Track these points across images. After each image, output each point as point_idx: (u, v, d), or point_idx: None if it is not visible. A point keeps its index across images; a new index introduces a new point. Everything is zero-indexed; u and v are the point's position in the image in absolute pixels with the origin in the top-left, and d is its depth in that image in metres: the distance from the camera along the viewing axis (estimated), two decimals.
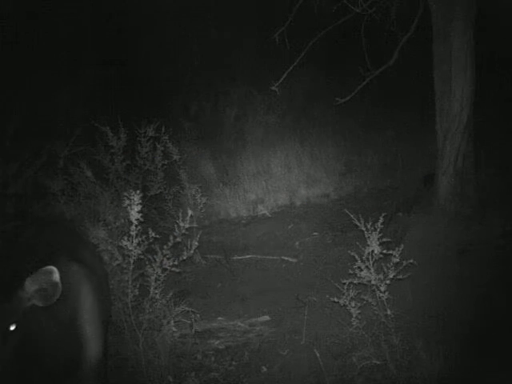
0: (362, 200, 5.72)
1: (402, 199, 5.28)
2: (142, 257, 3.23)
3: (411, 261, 3.16)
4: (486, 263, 3.92)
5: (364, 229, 3.13)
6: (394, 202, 5.34)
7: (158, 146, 4.47)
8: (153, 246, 3.22)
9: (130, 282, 3.24)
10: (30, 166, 4.11)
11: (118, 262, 3.32)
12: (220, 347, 3.46)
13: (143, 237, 3.16)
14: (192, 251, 3.35)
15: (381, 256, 3.11)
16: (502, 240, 4.16)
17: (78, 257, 2.31)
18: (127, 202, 3.13)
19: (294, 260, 4.66)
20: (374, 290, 3.14)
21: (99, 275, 2.43)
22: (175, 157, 4.63)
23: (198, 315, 3.58)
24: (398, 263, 3.12)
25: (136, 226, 3.12)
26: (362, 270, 3.11)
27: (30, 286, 1.85)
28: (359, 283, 3.16)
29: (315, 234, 5.13)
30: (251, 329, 3.61)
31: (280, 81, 4.97)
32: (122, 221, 3.80)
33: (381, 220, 3.09)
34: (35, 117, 5.58)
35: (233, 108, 7.45)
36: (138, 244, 3.16)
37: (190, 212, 3.28)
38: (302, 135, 6.85)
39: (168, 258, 3.23)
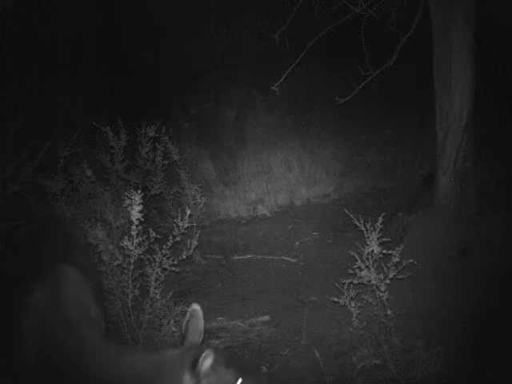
0: (362, 200, 5.72)
1: (402, 199, 5.28)
2: (142, 257, 3.23)
3: (411, 261, 3.17)
4: (486, 263, 3.92)
5: (363, 229, 3.13)
6: (394, 201, 5.34)
7: (159, 146, 4.47)
8: (152, 246, 3.23)
9: (130, 282, 3.24)
10: (29, 166, 4.11)
11: (118, 262, 3.32)
12: (220, 347, 3.46)
13: (144, 237, 3.16)
14: (191, 251, 3.35)
15: (381, 256, 3.11)
16: (502, 240, 4.15)
17: (74, 260, 2.31)
18: (128, 201, 3.13)
19: (294, 260, 4.66)
20: (374, 290, 3.14)
21: (94, 278, 2.44)
22: (175, 157, 4.63)
23: None
24: (397, 263, 3.12)
25: (137, 226, 3.12)
26: (362, 270, 3.12)
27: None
28: (359, 283, 3.17)
29: (315, 233, 5.13)
30: (251, 329, 3.61)
31: (280, 81, 4.97)
32: (123, 221, 3.80)
33: (380, 220, 3.09)
34: (35, 117, 5.58)
35: (233, 108, 7.45)
36: (139, 244, 3.16)
37: (188, 211, 3.28)
38: (302, 135, 6.85)
39: (168, 258, 3.24)
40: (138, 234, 3.14)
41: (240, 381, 1.74)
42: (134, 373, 1.83)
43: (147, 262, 3.26)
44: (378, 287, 3.10)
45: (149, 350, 2.20)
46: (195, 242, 3.37)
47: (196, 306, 1.92)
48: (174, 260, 3.25)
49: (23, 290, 2.01)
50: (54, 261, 2.20)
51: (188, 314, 1.92)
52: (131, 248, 3.15)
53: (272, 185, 6.09)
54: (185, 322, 1.91)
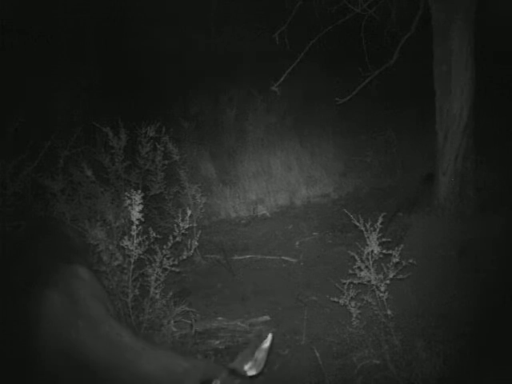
0: (362, 200, 5.72)
1: (402, 199, 5.28)
2: (143, 257, 3.23)
3: (411, 261, 3.17)
4: (486, 263, 3.92)
5: (363, 229, 3.13)
6: (394, 201, 5.34)
7: (159, 146, 4.47)
8: (153, 246, 3.23)
9: (130, 282, 3.24)
10: (29, 166, 4.10)
11: (118, 262, 3.32)
12: (220, 347, 3.45)
13: (144, 237, 3.17)
14: (192, 251, 3.35)
15: (381, 256, 3.11)
16: (502, 240, 4.16)
17: (78, 260, 2.31)
18: (128, 201, 3.13)
19: (294, 260, 4.66)
20: (373, 290, 3.14)
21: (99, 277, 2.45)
22: (175, 157, 4.63)
23: (198, 315, 3.58)
24: (397, 263, 3.12)
25: (137, 226, 3.12)
26: (361, 270, 3.12)
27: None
28: (359, 283, 3.17)
29: (315, 233, 5.13)
30: (251, 329, 3.61)
31: (280, 81, 4.98)
32: (123, 221, 3.80)
33: (380, 220, 3.10)
34: (35, 117, 5.58)
35: (233, 108, 7.45)
36: (139, 244, 3.16)
37: (189, 212, 3.28)
38: (301, 135, 6.85)
39: (168, 258, 3.24)
40: (138, 234, 3.15)
41: None
42: (152, 371, 1.80)
43: (147, 262, 3.27)
44: (377, 287, 3.10)
45: (168, 350, 2.16)
46: (196, 243, 3.37)
47: (270, 335, 1.88)
48: (174, 260, 3.25)
49: (36, 295, 1.99)
50: (62, 261, 2.19)
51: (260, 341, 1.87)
52: (131, 248, 3.15)
53: (272, 185, 6.09)
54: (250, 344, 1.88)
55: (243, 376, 1.76)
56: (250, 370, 1.80)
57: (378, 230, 3.09)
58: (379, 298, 3.11)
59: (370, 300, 3.14)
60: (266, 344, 1.85)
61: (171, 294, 3.40)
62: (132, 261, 3.20)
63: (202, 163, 6.40)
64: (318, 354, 3.13)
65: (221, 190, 5.90)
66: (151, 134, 4.42)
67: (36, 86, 6.45)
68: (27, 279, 2.10)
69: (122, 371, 1.81)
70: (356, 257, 3.13)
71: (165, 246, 3.22)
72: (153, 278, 3.24)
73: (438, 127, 4.73)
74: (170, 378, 1.77)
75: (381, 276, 3.11)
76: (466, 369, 2.97)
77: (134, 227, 3.12)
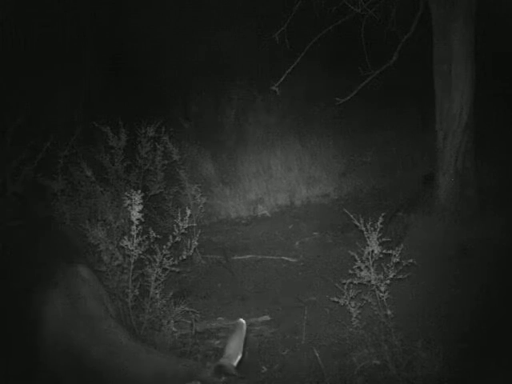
0: (362, 200, 5.73)
1: (402, 199, 5.28)
2: (142, 257, 3.23)
3: (411, 261, 3.17)
4: (486, 263, 3.92)
5: (364, 229, 3.13)
6: (394, 201, 5.34)
7: (158, 146, 4.47)
8: (153, 246, 3.23)
9: (130, 282, 3.24)
10: (29, 166, 4.10)
11: (118, 262, 3.32)
12: (220, 347, 3.45)
13: (144, 237, 3.17)
14: (192, 251, 3.35)
15: (381, 256, 3.11)
16: (502, 240, 4.15)
17: (80, 260, 2.30)
18: (128, 201, 3.13)
19: (294, 260, 4.66)
20: (374, 290, 3.14)
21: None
22: (175, 157, 4.63)
23: (198, 315, 3.58)
24: (397, 263, 3.12)
25: (137, 226, 3.12)
26: (361, 270, 3.12)
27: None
28: (359, 283, 3.17)
29: (315, 233, 5.13)
30: (251, 329, 3.61)
31: (280, 81, 4.97)
32: (122, 221, 3.80)
33: (380, 220, 3.09)
34: (35, 117, 5.58)
35: (233, 108, 7.46)
36: (139, 244, 3.16)
37: (188, 211, 3.28)
38: (301, 135, 6.85)
39: (168, 258, 3.24)
40: (138, 234, 3.15)
41: None
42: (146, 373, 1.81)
43: (147, 262, 3.27)
44: (377, 287, 3.10)
45: (163, 351, 2.17)
46: (195, 243, 3.37)
47: (242, 320, 1.91)
48: (174, 260, 3.25)
49: (36, 294, 1.99)
50: (63, 261, 2.19)
51: (233, 327, 1.90)
52: (131, 248, 3.15)
53: (272, 185, 6.10)
54: (229, 336, 1.90)
55: (232, 373, 1.76)
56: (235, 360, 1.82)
57: (378, 229, 3.09)
58: (379, 298, 3.11)
59: (370, 300, 3.14)
60: (242, 330, 1.88)
61: (171, 294, 3.41)
62: (132, 261, 3.21)
63: (202, 163, 6.41)
64: (317, 354, 3.13)
65: (221, 190, 5.90)
66: (151, 134, 4.42)
67: (36, 85, 6.44)
68: (27, 279, 2.10)
69: (117, 372, 1.81)
70: (356, 257, 3.13)
71: (165, 246, 3.22)
72: (153, 278, 3.24)
73: (438, 127, 4.73)
74: (159, 379, 1.77)
75: (381, 276, 3.11)
76: (466, 369, 2.97)
77: (134, 227, 3.12)
